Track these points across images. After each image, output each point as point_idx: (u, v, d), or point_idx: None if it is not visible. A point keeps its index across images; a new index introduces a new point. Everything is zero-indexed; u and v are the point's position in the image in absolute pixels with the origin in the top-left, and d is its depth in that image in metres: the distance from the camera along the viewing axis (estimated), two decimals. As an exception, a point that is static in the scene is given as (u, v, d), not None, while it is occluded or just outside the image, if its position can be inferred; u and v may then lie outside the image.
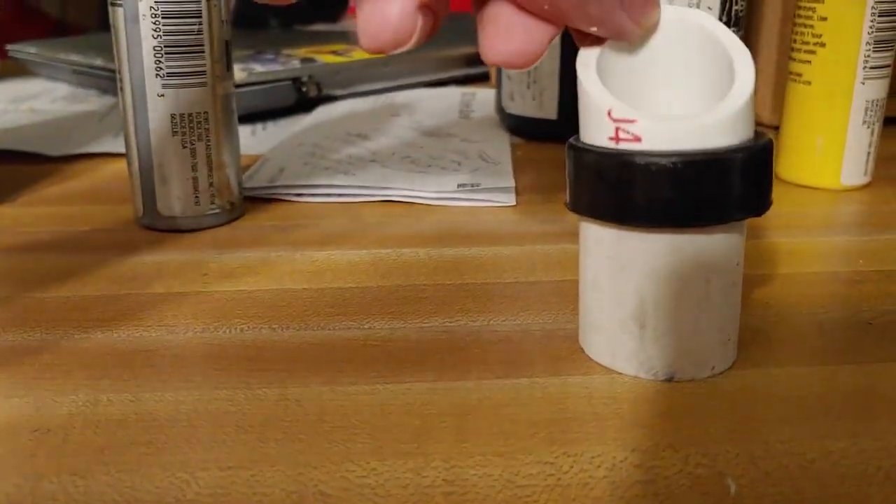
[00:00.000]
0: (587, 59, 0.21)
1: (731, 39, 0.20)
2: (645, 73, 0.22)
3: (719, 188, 0.20)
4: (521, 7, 0.19)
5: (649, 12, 0.20)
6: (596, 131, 0.20)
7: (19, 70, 0.69)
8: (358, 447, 0.19)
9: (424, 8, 0.19)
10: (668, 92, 0.22)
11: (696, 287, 0.21)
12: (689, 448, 0.19)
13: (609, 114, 0.19)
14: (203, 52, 0.31)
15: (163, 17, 0.30)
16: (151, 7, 0.30)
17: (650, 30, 0.21)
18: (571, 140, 0.21)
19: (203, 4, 0.31)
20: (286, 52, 0.57)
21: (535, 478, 0.18)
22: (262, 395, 0.21)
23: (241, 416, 0.20)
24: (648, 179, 0.19)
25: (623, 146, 0.19)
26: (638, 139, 0.19)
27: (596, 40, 0.21)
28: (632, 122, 0.19)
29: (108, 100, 0.58)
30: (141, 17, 0.30)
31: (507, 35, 0.19)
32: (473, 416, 0.20)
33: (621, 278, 0.21)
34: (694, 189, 0.19)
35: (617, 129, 0.19)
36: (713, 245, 0.20)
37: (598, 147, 0.20)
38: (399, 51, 0.20)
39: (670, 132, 0.19)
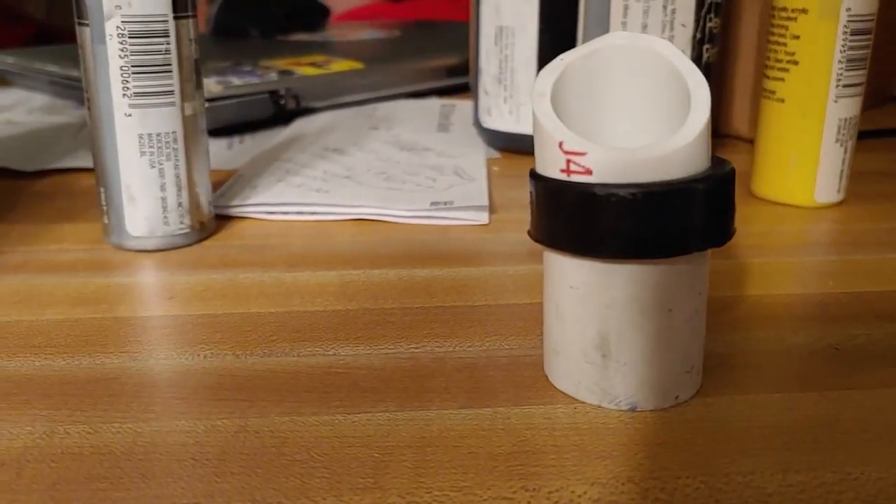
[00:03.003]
0: (543, 88, 0.20)
1: (687, 67, 0.20)
2: (603, 101, 0.22)
3: (679, 220, 0.19)
4: None
5: None
6: (549, 163, 0.20)
7: (-3, 80, 0.69)
8: (315, 482, 0.19)
9: None
10: (628, 120, 0.22)
11: (659, 317, 0.21)
12: (650, 481, 0.19)
13: (560, 146, 0.19)
14: (171, 71, 0.31)
15: (129, 37, 0.30)
16: (118, 27, 0.30)
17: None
18: (534, 169, 0.21)
19: (171, 24, 0.30)
20: (265, 63, 0.57)
21: (492, 514, 0.18)
22: (222, 427, 0.21)
23: (198, 449, 0.20)
24: (607, 211, 0.19)
25: (574, 178, 0.19)
26: (589, 171, 0.19)
27: None
28: (582, 154, 0.19)
29: (85, 111, 0.58)
30: (108, 37, 0.30)
31: None
32: (433, 449, 0.20)
33: (583, 308, 0.21)
34: (653, 221, 0.19)
35: (568, 162, 0.19)
36: (675, 275, 0.20)
37: (556, 178, 0.20)
38: None
39: (621, 164, 0.19)
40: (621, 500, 0.18)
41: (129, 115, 0.31)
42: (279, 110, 0.52)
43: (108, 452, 0.20)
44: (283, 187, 0.39)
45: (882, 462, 0.19)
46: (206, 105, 0.48)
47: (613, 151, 0.19)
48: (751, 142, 0.50)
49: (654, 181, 0.19)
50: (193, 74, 0.32)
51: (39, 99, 0.63)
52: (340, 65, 0.58)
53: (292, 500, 0.18)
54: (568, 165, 0.20)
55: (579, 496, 0.18)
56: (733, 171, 0.20)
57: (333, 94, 0.56)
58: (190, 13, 0.31)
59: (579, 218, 0.20)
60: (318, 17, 0.80)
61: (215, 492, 0.18)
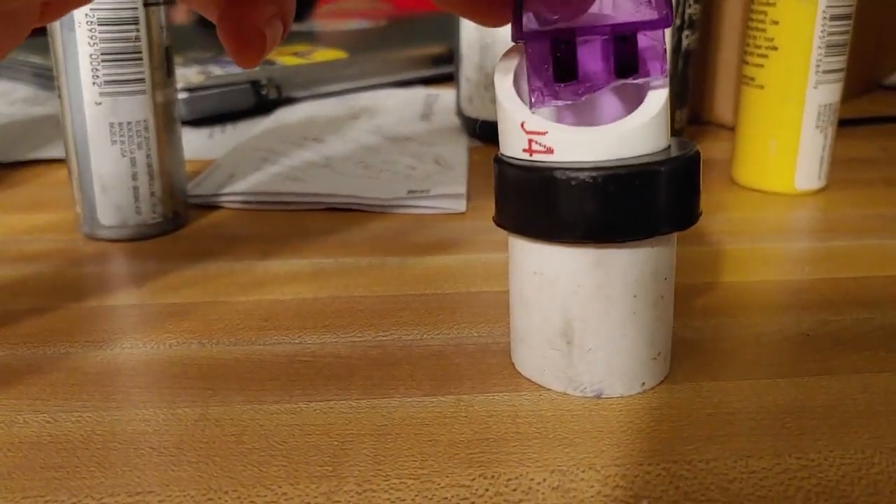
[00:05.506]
0: (506, 68, 0.20)
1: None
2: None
3: (641, 203, 0.19)
4: None
5: None
6: (512, 143, 0.20)
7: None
8: (272, 470, 0.18)
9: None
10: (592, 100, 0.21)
11: (623, 302, 0.20)
12: (611, 468, 0.18)
13: (522, 125, 0.19)
14: (141, 59, 0.30)
15: (99, 25, 0.29)
16: (87, 14, 0.29)
17: None
18: (498, 154, 0.21)
19: (140, 11, 0.30)
20: (247, 53, 0.56)
21: (449, 502, 0.17)
22: (182, 415, 0.21)
23: (157, 438, 0.20)
24: (567, 195, 0.19)
25: (537, 158, 0.19)
26: (550, 151, 0.19)
27: None
28: (543, 133, 0.19)
29: (56, 100, 0.57)
30: (77, 25, 0.29)
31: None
32: (394, 437, 0.20)
33: (548, 294, 0.21)
34: (614, 204, 0.19)
35: (530, 141, 0.19)
36: (640, 259, 0.20)
37: (518, 160, 0.20)
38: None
39: (582, 143, 0.19)
40: (580, 488, 0.18)
41: (100, 104, 0.30)
42: (260, 100, 0.52)
43: (66, 441, 0.20)
44: (260, 176, 0.38)
45: (846, 447, 0.19)
46: (188, 95, 0.48)
47: (574, 130, 0.19)
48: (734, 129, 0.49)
49: (616, 165, 0.19)
50: (165, 62, 0.31)
51: (23, 90, 0.62)
52: (323, 54, 0.58)
53: (248, 489, 0.18)
54: (530, 145, 0.19)
55: (538, 483, 0.18)
56: (697, 153, 0.20)
57: (316, 84, 0.56)
58: (160, 1, 0.31)
59: (539, 202, 0.19)
60: (304, 6, 0.79)
61: (171, 480, 0.18)
